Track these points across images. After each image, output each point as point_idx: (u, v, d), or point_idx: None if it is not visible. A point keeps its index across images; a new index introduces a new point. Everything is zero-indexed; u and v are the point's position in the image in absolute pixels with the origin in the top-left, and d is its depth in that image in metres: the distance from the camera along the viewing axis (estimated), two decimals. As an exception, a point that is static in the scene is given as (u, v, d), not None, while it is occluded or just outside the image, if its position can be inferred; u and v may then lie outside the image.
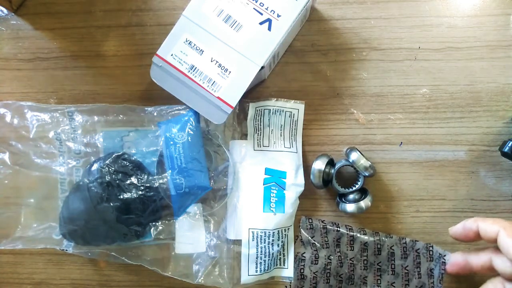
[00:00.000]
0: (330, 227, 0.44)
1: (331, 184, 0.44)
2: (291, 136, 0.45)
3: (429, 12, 0.46)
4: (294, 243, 0.45)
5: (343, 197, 0.44)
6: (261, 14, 0.40)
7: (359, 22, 0.46)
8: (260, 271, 0.43)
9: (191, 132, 0.42)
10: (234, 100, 0.40)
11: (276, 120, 0.45)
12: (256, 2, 0.40)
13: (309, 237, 0.44)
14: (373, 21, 0.46)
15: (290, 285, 0.44)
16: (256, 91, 0.46)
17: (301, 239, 0.45)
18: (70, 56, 0.47)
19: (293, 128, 0.45)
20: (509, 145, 0.42)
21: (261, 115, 0.45)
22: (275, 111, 0.45)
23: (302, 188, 0.44)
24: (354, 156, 0.42)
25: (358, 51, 0.46)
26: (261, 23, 0.40)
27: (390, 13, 0.46)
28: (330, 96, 0.46)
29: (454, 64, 0.45)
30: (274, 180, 0.44)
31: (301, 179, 0.44)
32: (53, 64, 0.47)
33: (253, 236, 0.43)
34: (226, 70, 0.40)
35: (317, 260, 0.44)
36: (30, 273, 0.47)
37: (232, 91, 0.40)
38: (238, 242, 0.44)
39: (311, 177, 0.43)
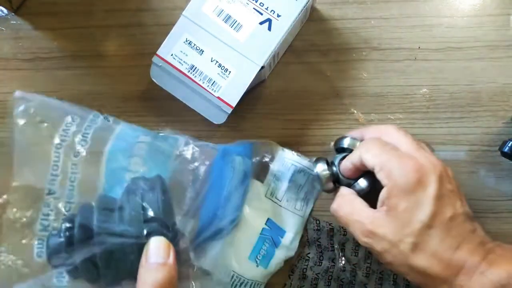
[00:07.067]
0: (337, 231, 0.44)
1: (339, 181, 0.40)
2: (305, 199, 0.44)
3: (429, 12, 0.46)
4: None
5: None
6: (261, 14, 0.40)
7: (359, 22, 0.46)
8: None
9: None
10: (234, 100, 0.40)
11: (298, 179, 0.43)
12: (256, 2, 0.41)
13: (315, 238, 0.44)
14: (373, 21, 0.46)
15: (290, 284, 0.44)
16: (256, 91, 0.46)
17: (307, 239, 0.44)
18: (70, 56, 0.47)
19: (310, 192, 0.44)
20: (509, 145, 0.42)
21: (286, 168, 0.43)
22: (300, 170, 0.43)
23: (293, 254, 0.43)
24: (347, 142, 0.40)
25: (358, 51, 0.46)
26: (261, 23, 0.40)
27: (390, 13, 0.46)
28: (330, 96, 0.46)
29: (454, 64, 0.45)
30: (272, 234, 0.42)
31: (295, 245, 0.43)
32: (53, 64, 0.47)
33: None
34: (226, 70, 0.40)
35: (321, 262, 0.44)
36: None
37: (232, 91, 0.40)
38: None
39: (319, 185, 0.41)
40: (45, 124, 0.36)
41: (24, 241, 0.35)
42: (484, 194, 0.45)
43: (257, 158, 0.43)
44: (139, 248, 0.32)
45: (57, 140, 0.36)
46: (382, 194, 0.35)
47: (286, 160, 0.43)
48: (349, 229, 0.37)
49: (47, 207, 0.35)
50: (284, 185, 0.43)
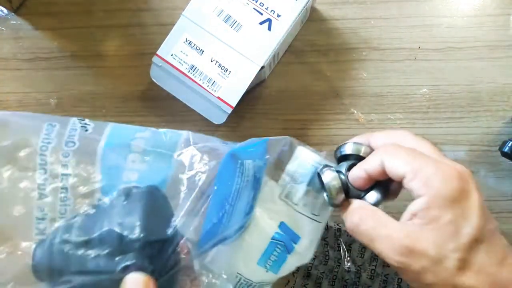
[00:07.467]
0: (344, 231, 0.44)
1: (348, 193, 0.35)
2: (324, 203, 0.39)
3: (429, 12, 0.46)
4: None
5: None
6: (261, 14, 0.40)
7: (359, 22, 0.46)
8: None
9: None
10: (234, 100, 0.40)
11: (317, 182, 0.38)
12: (256, 2, 0.41)
13: (323, 237, 0.44)
14: (373, 21, 0.46)
15: (294, 282, 0.44)
16: (256, 91, 0.46)
17: None
18: (70, 56, 0.47)
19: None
20: (509, 145, 0.42)
21: (305, 169, 0.38)
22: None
23: (306, 261, 0.39)
24: (350, 147, 0.35)
25: (358, 51, 0.46)
26: (261, 23, 0.40)
27: (390, 13, 0.46)
28: (330, 96, 0.46)
29: (454, 64, 0.45)
30: (284, 240, 0.38)
31: (310, 253, 0.39)
32: (53, 64, 0.47)
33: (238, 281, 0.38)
34: (226, 70, 0.40)
35: (327, 261, 0.44)
36: None
37: (232, 91, 0.40)
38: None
39: (326, 198, 0.36)
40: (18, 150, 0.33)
41: (21, 246, 0.33)
42: (484, 194, 0.45)
43: (272, 155, 0.38)
44: (117, 283, 0.29)
45: (40, 144, 0.33)
46: (418, 204, 0.30)
47: (306, 160, 0.38)
48: (374, 247, 0.31)
49: (41, 211, 0.33)
50: (302, 187, 0.38)
